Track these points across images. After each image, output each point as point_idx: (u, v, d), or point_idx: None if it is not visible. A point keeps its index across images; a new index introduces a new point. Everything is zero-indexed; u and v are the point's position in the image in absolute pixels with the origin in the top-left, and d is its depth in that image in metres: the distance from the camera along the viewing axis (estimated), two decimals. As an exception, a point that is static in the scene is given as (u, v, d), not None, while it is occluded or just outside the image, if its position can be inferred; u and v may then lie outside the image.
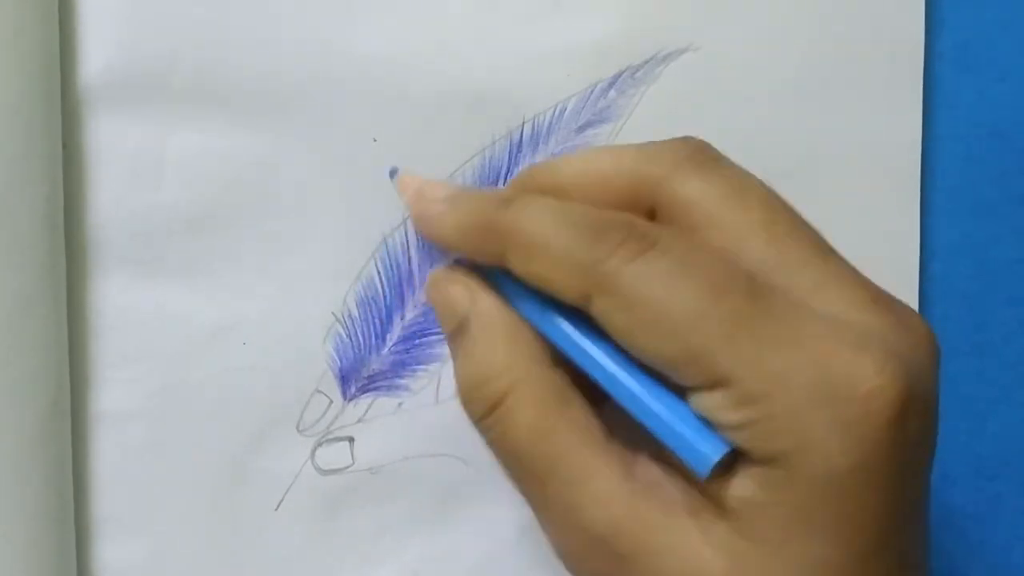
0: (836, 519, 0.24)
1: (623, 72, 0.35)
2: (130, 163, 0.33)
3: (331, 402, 0.35)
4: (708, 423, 0.25)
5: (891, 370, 0.24)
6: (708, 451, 0.25)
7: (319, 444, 0.35)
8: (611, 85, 0.35)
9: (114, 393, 0.34)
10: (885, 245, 0.37)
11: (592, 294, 0.25)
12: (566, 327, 0.27)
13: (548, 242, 0.26)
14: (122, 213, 0.33)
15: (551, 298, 0.26)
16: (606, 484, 0.26)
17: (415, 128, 0.34)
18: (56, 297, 0.32)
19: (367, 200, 0.34)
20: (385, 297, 0.35)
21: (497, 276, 0.28)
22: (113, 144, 0.33)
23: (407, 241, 0.35)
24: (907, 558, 0.25)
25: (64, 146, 0.32)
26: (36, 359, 0.31)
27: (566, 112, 0.35)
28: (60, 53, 0.32)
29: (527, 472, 0.27)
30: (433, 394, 0.35)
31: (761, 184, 0.27)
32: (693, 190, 0.27)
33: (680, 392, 0.25)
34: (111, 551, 0.34)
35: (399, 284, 0.35)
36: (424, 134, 0.34)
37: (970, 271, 0.38)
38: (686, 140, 0.28)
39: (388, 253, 0.35)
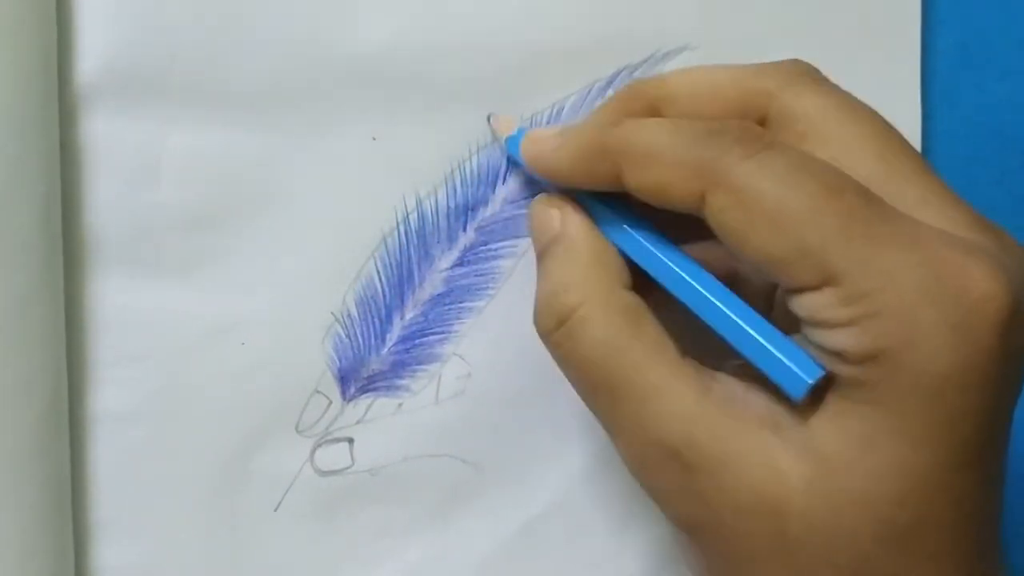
0: (931, 424, 0.24)
1: (621, 71, 0.35)
2: (128, 162, 0.33)
3: (330, 403, 0.35)
4: (804, 342, 0.25)
5: (1002, 279, 0.24)
6: (804, 373, 0.25)
7: (318, 445, 0.35)
8: (609, 84, 0.35)
9: (112, 393, 0.33)
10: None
11: (707, 192, 0.26)
12: (660, 250, 0.28)
13: (662, 149, 0.27)
14: (120, 213, 0.33)
15: (645, 225, 0.28)
16: (680, 399, 0.26)
17: (415, 128, 0.34)
18: (54, 297, 0.32)
19: (367, 200, 0.34)
20: (385, 297, 0.35)
21: (594, 206, 0.29)
22: (111, 143, 0.33)
23: (407, 240, 0.35)
24: (992, 476, 0.25)
25: (62, 145, 0.32)
26: (34, 359, 0.31)
27: (564, 111, 0.35)
28: (58, 52, 0.32)
29: (597, 387, 0.27)
30: (433, 394, 0.35)
31: (869, 107, 0.28)
32: (807, 104, 0.27)
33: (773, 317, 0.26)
34: (109, 552, 0.34)
35: (399, 284, 0.35)
36: (424, 134, 0.34)
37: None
38: (796, 60, 0.29)
39: (388, 253, 0.34)
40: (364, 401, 0.35)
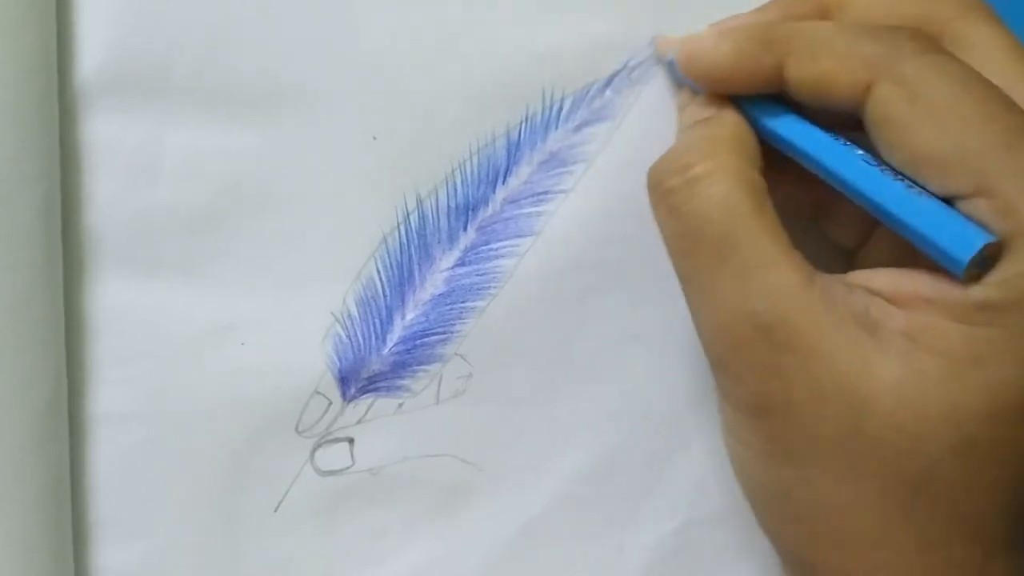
0: None
1: (619, 71, 0.35)
2: (128, 162, 0.33)
3: (330, 403, 0.35)
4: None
5: None
6: (972, 238, 0.25)
7: (318, 445, 0.35)
8: (607, 84, 0.35)
9: (112, 393, 0.33)
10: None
11: (875, 83, 0.26)
12: (814, 132, 0.28)
13: (833, 40, 0.27)
14: (120, 212, 0.33)
15: (799, 117, 0.28)
16: (785, 277, 0.26)
17: (415, 127, 0.34)
18: (53, 297, 0.32)
19: (367, 200, 0.34)
20: (385, 297, 0.35)
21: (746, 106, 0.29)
22: (111, 143, 0.33)
23: (407, 240, 0.35)
24: None
25: (61, 145, 0.32)
26: (33, 359, 0.31)
27: (563, 111, 0.35)
28: (57, 51, 0.32)
29: (703, 245, 0.27)
30: (433, 395, 0.35)
31: None
32: (982, 34, 0.28)
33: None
34: (109, 553, 0.34)
35: (399, 284, 0.35)
36: (424, 133, 0.34)
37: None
38: None
39: (388, 253, 0.34)
40: (364, 401, 0.35)
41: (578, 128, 0.35)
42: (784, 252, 0.26)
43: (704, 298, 0.27)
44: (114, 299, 0.33)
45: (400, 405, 0.35)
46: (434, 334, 0.35)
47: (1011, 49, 0.28)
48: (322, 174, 0.34)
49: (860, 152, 0.28)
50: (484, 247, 0.35)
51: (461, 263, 0.35)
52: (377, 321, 0.35)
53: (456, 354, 0.35)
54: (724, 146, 0.28)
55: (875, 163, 0.27)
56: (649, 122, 0.36)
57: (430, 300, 0.35)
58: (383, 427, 0.35)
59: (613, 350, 0.35)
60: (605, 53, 0.35)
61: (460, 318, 0.35)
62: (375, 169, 0.34)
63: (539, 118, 0.35)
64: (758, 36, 0.28)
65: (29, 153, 0.31)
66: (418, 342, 0.35)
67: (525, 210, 0.35)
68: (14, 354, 0.30)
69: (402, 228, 0.34)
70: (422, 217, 0.35)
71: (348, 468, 0.35)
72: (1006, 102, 0.25)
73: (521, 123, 0.35)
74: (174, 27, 0.33)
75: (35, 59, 0.31)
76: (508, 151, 0.35)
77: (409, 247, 0.35)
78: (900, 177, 0.27)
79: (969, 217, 0.25)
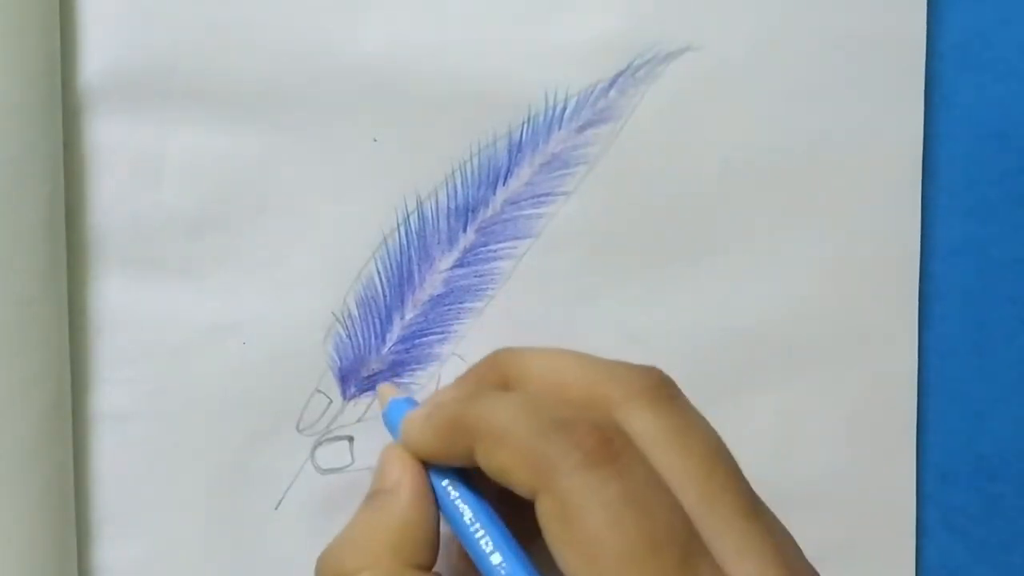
0: None
1: (624, 71, 0.35)
2: (130, 163, 0.33)
3: (331, 401, 0.35)
4: None
5: None
6: None
7: (319, 443, 0.35)
8: (612, 85, 0.35)
9: (114, 393, 0.34)
10: (886, 244, 0.37)
11: (540, 491, 0.25)
12: (485, 544, 0.27)
13: (509, 432, 0.26)
14: (122, 213, 0.33)
15: (488, 512, 0.28)
16: None
17: (415, 128, 0.34)
18: (57, 297, 0.32)
19: (367, 200, 0.34)
20: (385, 297, 0.35)
21: (450, 479, 0.29)
22: (113, 144, 0.33)
23: (407, 241, 0.35)
24: None
25: (65, 147, 0.32)
26: (37, 359, 0.31)
27: (566, 112, 0.35)
28: (61, 54, 0.32)
29: None
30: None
31: (708, 430, 0.27)
32: (642, 422, 0.27)
33: None
34: (111, 551, 0.34)
35: (399, 284, 0.35)
36: (424, 134, 0.34)
37: (970, 270, 0.38)
38: (649, 370, 0.28)
39: (388, 253, 0.35)
40: (364, 400, 0.35)
41: (581, 129, 0.35)
42: None
43: None
44: (117, 299, 0.34)
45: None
46: (432, 334, 0.35)
47: (670, 439, 0.27)
48: (323, 175, 0.34)
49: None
50: (483, 248, 0.35)
51: (460, 264, 0.35)
52: (377, 321, 0.35)
53: (454, 354, 0.35)
54: (383, 550, 0.27)
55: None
56: (654, 123, 0.35)
57: (429, 300, 0.35)
58: (383, 426, 0.35)
59: (611, 352, 0.35)
60: (609, 53, 0.35)
61: (458, 318, 0.35)
62: (375, 170, 0.34)
63: (542, 119, 0.35)
64: (452, 421, 0.28)
65: (33, 155, 0.31)
66: (417, 342, 0.35)
67: (525, 212, 0.35)
68: (18, 353, 0.31)
69: (402, 229, 0.35)
70: (422, 218, 0.35)
71: (348, 466, 0.35)
72: (664, 536, 0.24)
73: (523, 124, 0.35)
74: (177, 30, 0.33)
75: (39, 62, 0.31)
76: (509, 152, 0.35)
77: (409, 248, 0.35)
78: None
79: None
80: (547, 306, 0.35)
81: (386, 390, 0.32)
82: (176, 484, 0.34)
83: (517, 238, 0.35)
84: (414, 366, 0.35)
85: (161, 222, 0.34)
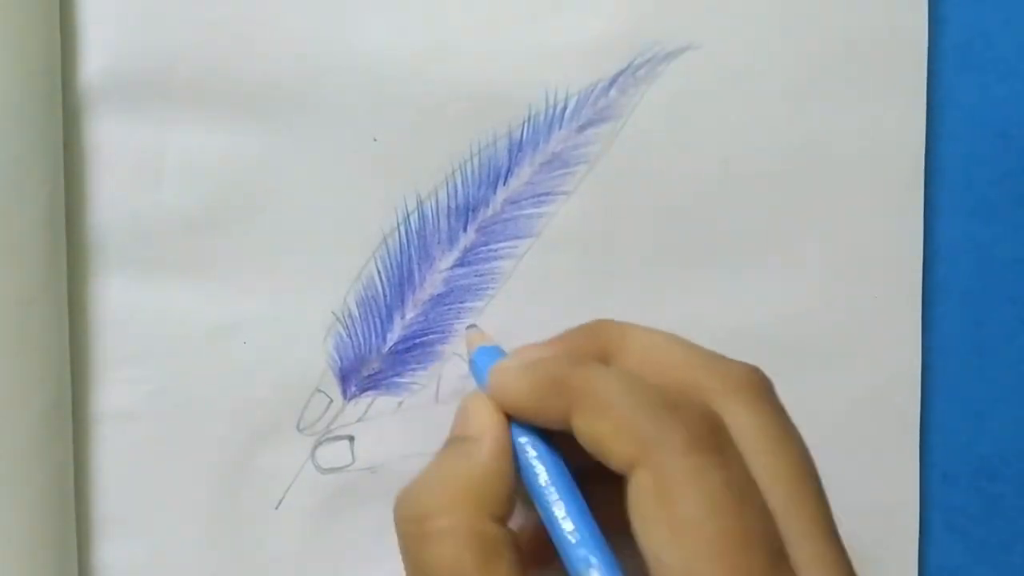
0: None
1: (624, 71, 0.35)
2: (131, 163, 0.33)
3: (331, 401, 0.35)
4: None
5: None
6: None
7: (319, 443, 0.35)
8: (612, 84, 0.35)
9: (115, 392, 0.34)
10: (888, 245, 0.37)
11: (638, 465, 0.25)
12: (559, 511, 0.27)
13: (617, 402, 0.26)
14: (123, 213, 0.33)
15: (565, 476, 0.27)
16: None
17: (415, 128, 0.34)
18: (57, 297, 0.32)
19: (367, 200, 0.34)
20: (385, 296, 0.35)
21: (531, 438, 0.29)
22: (114, 144, 0.33)
23: (407, 241, 0.35)
24: None
25: (65, 147, 0.32)
26: (37, 359, 0.31)
27: (567, 111, 0.35)
28: (61, 55, 0.32)
29: None
30: (433, 393, 0.35)
31: (800, 438, 0.28)
32: (740, 417, 0.27)
33: None
34: (111, 551, 0.34)
35: (399, 283, 0.35)
36: (424, 134, 0.34)
37: (972, 271, 0.38)
38: (752, 368, 0.28)
39: (388, 252, 0.35)
40: (365, 400, 0.35)
41: (582, 128, 0.35)
42: None
43: None
44: (117, 299, 0.34)
45: (400, 403, 0.35)
46: (433, 333, 0.35)
47: (765, 439, 0.27)
48: (323, 175, 0.34)
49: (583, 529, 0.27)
50: (483, 248, 0.35)
51: (460, 264, 0.35)
52: (377, 320, 0.35)
53: (455, 354, 0.35)
54: (465, 497, 0.27)
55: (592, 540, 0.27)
56: (654, 122, 0.35)
57: (429, 300, 0.35)
58: (383, 425, 0.35)
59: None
60: (609, 53, 0.35)
61: (458, 318, 0.35)
62: (375, 169, 0.34)
63: (542, 118, 0.35)
64: (552, 378, 0.27)
65: (33, 155, 0.31)
66: (417, 341, 0.35)
67: (525, 211, 0.35)
68: (18, 353, 0.31)
69: (402, 228, 0.35)
70: (422, 217, 0.35)
71: (349, 466, 0.35)
72: (752, 538, 0.25)
73: (524, 123, 0.35)
74: (177, 30, 0.33)
75: (39, 62, 0.31)
76: (510, 151, 0.35)
77: (409, 247, 0.35)
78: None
79: None
80: (547, 306, 0.35)
81: (475, 336, 0.32)
82: (176, 484, 0.34)
83: (517, 237, 0.35)
84: (414, 366, 0.35)
85: (161, 222, 0.34)
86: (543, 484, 0.28)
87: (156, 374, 0.34)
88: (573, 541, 0.26)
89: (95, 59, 0.33)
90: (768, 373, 0.28)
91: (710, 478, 0.25)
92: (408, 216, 0.35)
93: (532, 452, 0.28)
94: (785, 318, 0.36)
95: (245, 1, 0.33)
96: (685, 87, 0.36)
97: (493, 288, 0.35)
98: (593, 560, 0.26)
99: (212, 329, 0.34)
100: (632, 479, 0.25)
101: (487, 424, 0.28)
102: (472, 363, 0.31)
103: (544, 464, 0.28)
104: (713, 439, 0.25)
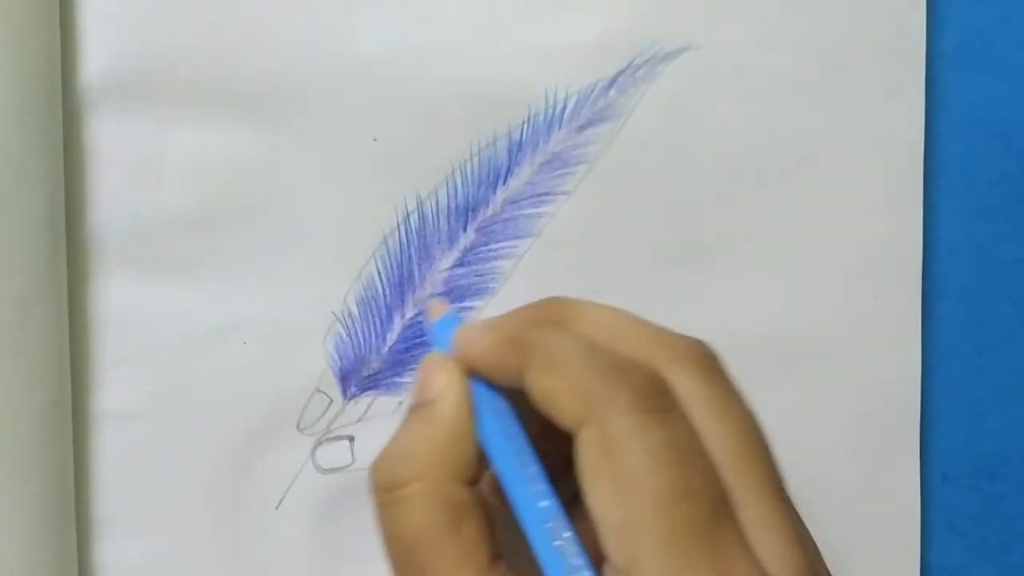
0: None
1: (624, 71, 0.35)
2: (131, 163, 0.33)
3: (331, 401, 0.35)
4: None
5: None
6: None
7: (319, 443, 0.35)
8: (612, 84, 0.35)
9: (115, 392, 0.34)
10: (888, 245, 0.37)
11: (586, 422, 0.26)
12: (512, 472, 0.27)
13: (569, 360, 0.26)
14: (123, 213, 0.33)
15: (514, 432, 0.28)
16: None
17: (415, 128, 0.34)
18: (57, 297, 0.32)
19: (367, 200, 0.34)
20: (385, 296, 0.35)
21: (487, 398, 0.29)
22: (114, 144, 0.33)
23: (407, 240, 0.35)
24: None
25: (65, 147, 0.32)
26: (37, 359, 0.31)
27: (567, 111, 0.35)
28: (61, 54, 0.32)
29: (402, 569, 0.28)
30: (433, 393, 0.35)
31: (747, 407, 0.28)
32: (687, 386, 0.27)
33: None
34: (111, 550, 0.34)
35: (399, 283, 0.35)
36: (424, 134, 0.34)
37: (971, 270, 0.38)
38: (698, 342, 0.29)
39: (388, 252, 0.35)
40: (365, 399, 0.35)
41: (581, 128, 0.35)
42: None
43: None
44: (117, 299, 0.34)
45: (400, 403, 0.35)
46: (433, 334, 0.35)
47: (710, 407, 0.27)
48: (323, 175, 0.34)
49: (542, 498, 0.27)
50: (483, 248, 0.35)
51: (460, 264, 0.35)
52: (377, 320, 0.35)
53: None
54: (431, 462, 0.28)
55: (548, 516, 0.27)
56: (654, 122, 0.36)
57: (429, 300, 0.35)
58: (383, 425, 0.35)
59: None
60: (609, 53, 0.35)
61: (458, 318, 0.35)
62: (375, 169, 0.34)
63: (542, 118, 0.35)
64: (511, 338, 0.28)
65: (33, 155, 0.31)
66: (417, 341, 0.35)
67: (525, 211, 0.35)
68: (19, 353, 0.31)
69: (402, 228, 0.35)
70: (422, 217, 0.35)
71: (349, 466, 0.35)
72: (698, 486, 0.25)
73: (523, 123, 0.35)
74: (177, 30, 0.33)
75: (39, 62, 0.31)
76: (509, 151, 0.35)
77: (409, 247, 0.35)
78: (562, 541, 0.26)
79: None
80: None
81: (437, 305, 0.32)
82: (176, 484, 0.34)
83: (517, 237, 0.35)
84: (414, 366, 0.35)
85: (161, 222, 0.34)
86: (499, 441, 0.28)
87: (156, 374, 0.34)
88: (533, 493, 0.27)
89: (95, 59, 0.33)
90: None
91: (653, 435, 0.25)
92: (408, 216, 0.35)
93: (490, 411, 0.29)
94: (785, 318, 0.37)
95: (245, 1, 0.33)
96: (685, 87, 0.36)
97: (493, 288, 0.35)
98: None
99: (212, 329, 0.34)
100: (580, 436, 0.26)
101: (445, 384, 0.29)
102: (432, 330, 0.31)
103: (502, 422, 0.28)
104: (658, 400, 0.26)
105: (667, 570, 0.24)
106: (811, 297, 0.37)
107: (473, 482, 0.28)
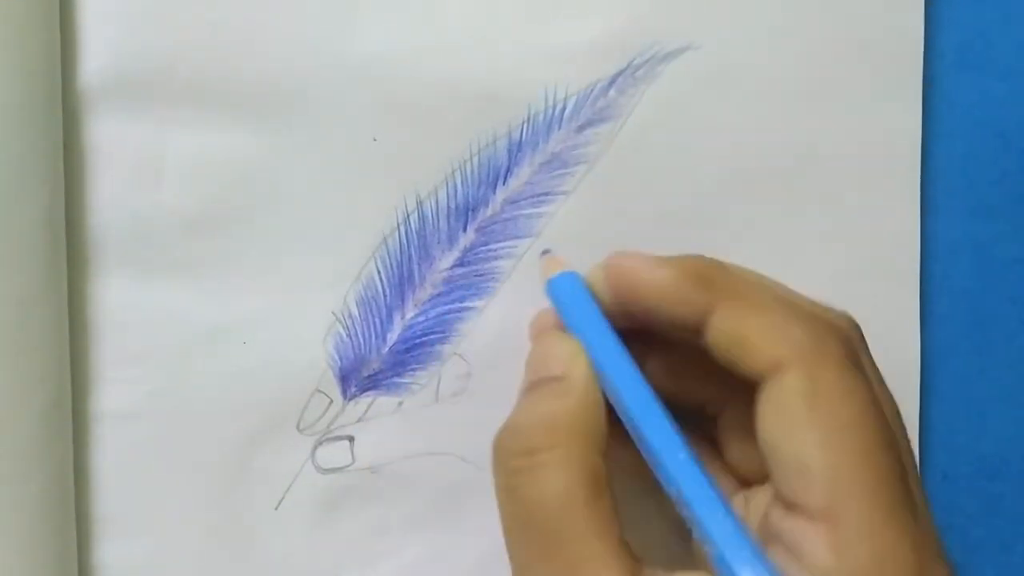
0: None
1: (623, 71, 0.35)
2: (130, 163, 0.33)
3: (331, 401, 0.35)
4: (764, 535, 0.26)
5: None
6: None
7: (319, 443, 0.35)
8: (611, 84, 0.35)
9: (115, 393, 0.34)
10: (886, 244, 0.37)
11: (789, 367, 0.26)
12: (657, 431, 0.27)
13: (770, 304, 0.27)
14: (123, 213, 0.33)
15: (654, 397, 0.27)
16: None
17: (415, 128, 0.34)
18: (57, 297, 0.32)
19: (367, 200, 0.34)
20: (385, 297, 0.35)
21: (611, 353, 0.28)
22: (113, 144, 0.33)
23: (407, 241, 0.35)
24: None
25: (65, 147, 0.32)
26: (37, 359, 0.31)
27: (566, 111, 0.35)
28: (61, 54, 0.32)
29: (536, 536, 0.27)
30: (433, 393, 0.35)
31: (889, 398, 0.29)
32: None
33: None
34: (111, 550, 0.34)
35: (399, 283, 0.35)
36: (424, 134, 0.34)
37: (970, 270, 0.38)
38: (851, 318, 0.29)
39: (388, 253, 0.35)
40: (365, 400, 0.35)
41: (581, 128, 0.35)
42: (610, 550, 0.26)
43: None
44: (117, 299, 0.34)
45: (400, 403, 0.35)
46: (433, 333, 0.35)
47: (877, 380, 0.28)
48: (323, 175, 0.34)
49: (687, 463, 0.27)
50: (483, 248, 0.35)
51: (460, 263, 0.35)
52: (377, 320, 0.35)
53: (455, 354, 0.35)
54: (571, 430, 0.27)
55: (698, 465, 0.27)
56: (653, 122, 0.36)
57: (429, 300, 0.35)
58: (383, 425, 0.35)
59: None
60: (609, 53, 0.35)
61: (459, 318, 0.35)
62: (375, 169, 0.34)
63: (542, 118, 0.35)
64: (698, 272, 0.28)
65: (33, 155, 0.31)
66: (417, 341, 0.35)
67: (525, 211, 0.35)
68: (19, 353, 0.31)
69: (402, 228, 0.35)
70: (422, 218, 0.35)
71: (348, 466, 0.35)
72: (890, 442, 0.26)
73: (523, 123, 0.35)
74: (176, 30, 0.33)
75: (39, 62, 0.31)
76: (509, 151, 0.35)
77: (409, 247, 0.35)
78: (712, 485, 0.26)
79: (802, 537, 0.25)
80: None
81: (553, 261, 0.31)
82: (176, 484, 0.34)
83: (517, 237, 0.35)
84: (414, 366, 0.35)
85: (161, 222, 0.34)
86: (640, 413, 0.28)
87: (156, 374, 0.34)
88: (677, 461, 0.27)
89: (95, 59, 0.33)
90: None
91: (862, 391, 0.26)
92: (408, 216, 0.35)
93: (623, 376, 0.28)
94: (785, 318, 0.36)
95: (245, 1, 0.33)
96: (684, 87, 0.36)
97: (493, 287, 0.35)
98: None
99: (212, 329, 0.34)
100: (779, 380, 0.26)
101: (571, 358, 0.28)
102: (550, 288, 0.30)
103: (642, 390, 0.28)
104: (858, 358, 0.26)
105: (872, 516, 0.24)
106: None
107: (603, 455, 0.28)
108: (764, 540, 0.26)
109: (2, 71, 0.30)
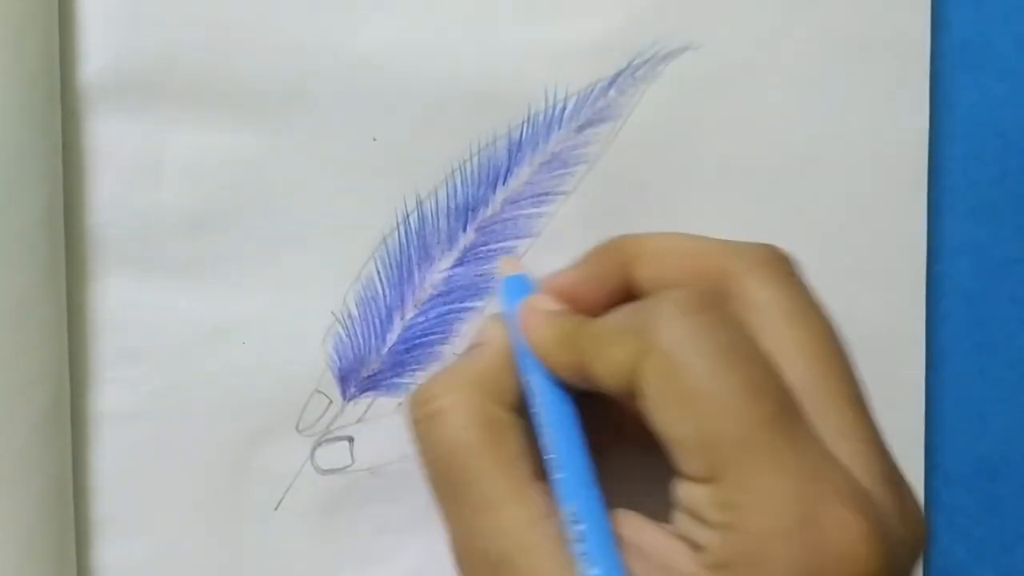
0: None
1: (623, 71, 0.35)
2: (130, 163, 0.33)
3: (331, 402, 0.35)
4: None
5: (878, 546, 0.24)
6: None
7: (319, 444, 0.35)
8: (611, 84, 0.35)
9: (114, 392, 0.34)
10: (890, 245, 0.37)
11: (643, 358, 0.25)
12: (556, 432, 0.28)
13: (617, 331, 0.27)
14: (122, 213, 0.33)
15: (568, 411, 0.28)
16: (512, 517, 0.26)
17: (415, 128, 0.34)
18: (56, 297, 0.32)
19: (367, 200, 0.34)
20: (385, 297, 0.35)
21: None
22: (113, 144, 0.33)
23: (407, 241, 0.35)
24: None
25: (64, 146, 0.32)
26: (36, 359, 0.31)
27: (566, 111, 0.35)
28: (60, 54, 0.32)
29: (444, 479, 0.28)
30: (433, 394, 0.35)
31: (825, 312, 0.28)
32: (761, 293, 0.27)
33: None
34: (110, 550, 0.34)
35: (399, 284, 0.35)
36: (424, 134, 0.34)
37: (972, 270, 0.38)
38: (770, 247, 0.29)
39: (388, 253, 0.35)
40: (364, 400, 0.35)
41: (581, 128, 0.35)
42: (516, 490, 0.27)
43: (447, 527, 0.28)
44: (116, 299, 0.34)
45: (400, 404, 0.35)
46: (432, 334, 0.35)
47: (791, 311, 0.27)
48: (322, 175, 0.34)
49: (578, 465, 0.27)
50: (483, 248, 0.35)
51: (460, 264, 0.35)
52: (377, 321, 0.35)
53: (455, 354, 0.35)
54: (469, 381, 0.28)
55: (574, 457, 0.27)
56: (654, 122, 0.36)
57: (429, 300, 0.35)
58: (383, 426, 0.35)
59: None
60: (609, 53, 0.35)
61: (459, 318, 0.35)
62: (375, 169, 0.34)
63: (542, 118, 0.35)
64: (568, 335, 0.28)
65: (32, 154, 0.31)
66: (417, 341, 0.35)
67: (525, 211, 0.35)
68: (17, 353, 0.31)
69: (402, 228, 0.35)
70: (422, 217, 0.35)
71: (348, 467, 0.35)
72: (762, 386, 0.25)
73: (523, 123, 0.35)
74: (175, 29, 0.33)
75: (38, 61, 0.31)
76: (509, 151, 0.35)
77: (409, 247, 0.35)
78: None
79: (695, 499, 0.25)
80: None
81: (510, 261, 0.33)
82: (176, 484, 0.34)
83: (517, 237, 0.35)
84: (414, 366, 0.35)
85: (160, 221, 0.34)
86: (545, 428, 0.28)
87: (154, 374, 0.34)
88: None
89: (95, 59, 0.33)
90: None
91: (706, 339, 0.25)
92: (408, 216, 0.35)
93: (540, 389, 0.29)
94: (785, 318, 0.36)
95: (245, 1, 0.33)
96: (684, 87, 0.36)
97: (493, 288, 0.35)
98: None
99: (212, 329, 0.34)
100: (641, 373, 0.25)
101: (490, 331, 0.30)
102: (503, 287, 0.31)
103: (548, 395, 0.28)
104: (701, 300, 0.26)
105: (748, 471, 0.24)
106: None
107: (511, 409, 0.28)
108: (682, 512, 0.26)
109: (1, 71, 0.30)
